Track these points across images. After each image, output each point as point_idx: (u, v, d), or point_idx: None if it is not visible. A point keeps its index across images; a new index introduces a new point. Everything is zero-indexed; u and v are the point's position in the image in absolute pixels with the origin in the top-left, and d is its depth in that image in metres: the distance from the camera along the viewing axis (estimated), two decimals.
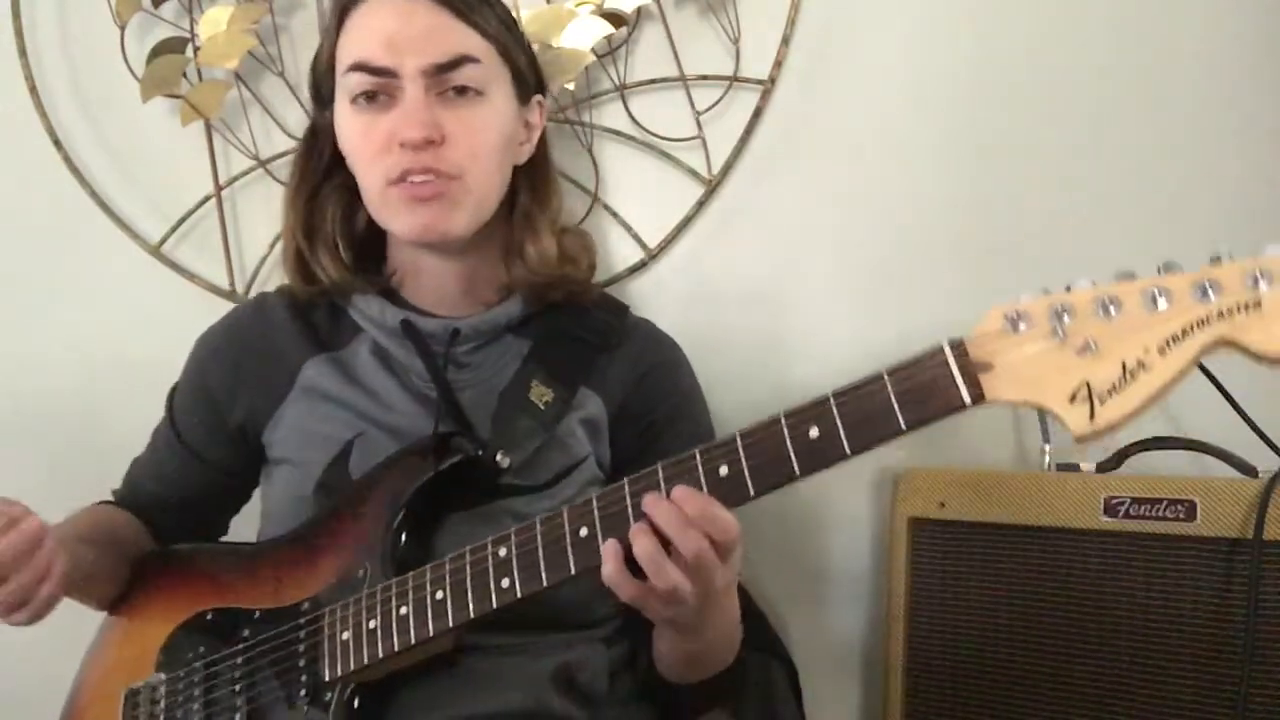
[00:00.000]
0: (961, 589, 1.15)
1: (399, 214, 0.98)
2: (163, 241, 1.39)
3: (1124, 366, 0.65)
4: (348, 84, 0.98)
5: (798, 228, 1.30)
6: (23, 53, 1.37)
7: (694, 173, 1.30)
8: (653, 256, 1.32)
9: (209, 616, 0.98)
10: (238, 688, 0.93)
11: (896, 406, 0.73)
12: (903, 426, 0.73)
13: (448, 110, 0.97)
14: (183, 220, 1.39)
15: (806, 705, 1.02)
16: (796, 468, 0.76)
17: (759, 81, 1.27)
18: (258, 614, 0.96)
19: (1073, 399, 0.67)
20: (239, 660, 0.94)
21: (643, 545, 0.77)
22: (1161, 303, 0.64)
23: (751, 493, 0.77)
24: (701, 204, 1.30)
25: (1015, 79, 1.24)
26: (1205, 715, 1.02)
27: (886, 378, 0.74)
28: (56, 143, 1.38)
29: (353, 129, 0.99)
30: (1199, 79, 1.20)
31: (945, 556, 1.16)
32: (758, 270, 1.31)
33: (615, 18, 1.27)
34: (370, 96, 0.97)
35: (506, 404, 0.99)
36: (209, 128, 1.36)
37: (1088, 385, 0.66)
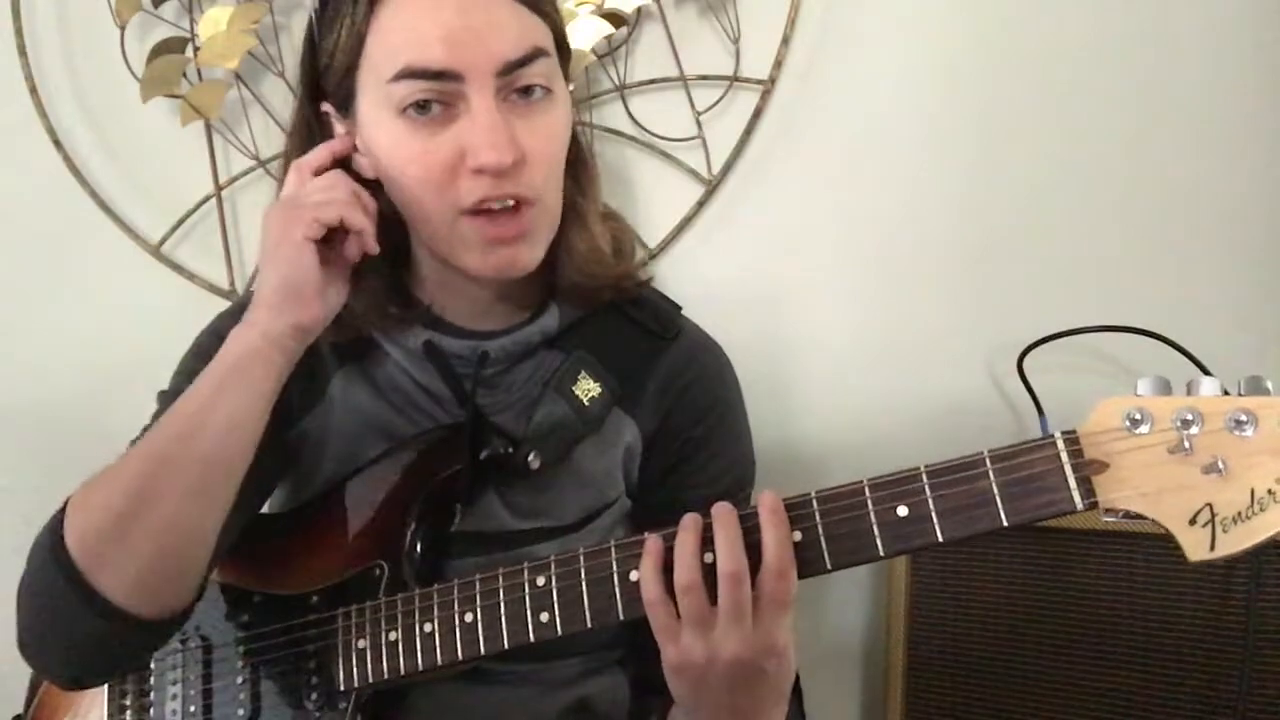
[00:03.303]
0: (961, 589, 1.15)
1: (471, 250, 0.84)
2: (163, 241, 1.39)
3: (1253, 494, 0.60)
4: (394, 94, 0.81)
5: (798, 228, 1.30)
6: (23, 52, 1.37)
7: (694, 173, 1.30)
8: (653, 256, 1.32)
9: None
10: (240, 679, 0.90)
11: (998, 500, 0.66)
12: (1004, 522, 0.66)
13: (518, 119, 0.82)
14: (183, 220, 1.39)
15: (806, 705, 1.02)
16: (880, 547, 0.69)
17: (759, 81, 1.27)
18: (258, 598, 0.91)
19: (1193, 521, 0.61)
20: (240, 649, 0.91)
21: (683, 539, 0.73)
22: None
23: (829, 565, 0.71)
24: (701, 204, 1.30)
25: (1015, 78, 1.24)
26: (1205, 715, 1.02)
27: (989, 463, 0.67)
28: (56, 143, 1.38)
29: (406, 150, 0.82)
30: (1204, 75, 1.20)
31: (945, 556, 1.16)
32: (757, 270, 1.31)
33: (615, 18, 1.27)
34: (423, 106, 0.81)
35: (546, 397, 0.91)
36: (209, 128, 1.36)
37: (1210, 508, 0.61)
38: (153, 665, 0.94)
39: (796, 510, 0.72)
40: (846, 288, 1.30)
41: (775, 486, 0.77)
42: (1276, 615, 1.00)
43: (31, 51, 1.37)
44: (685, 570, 0.72)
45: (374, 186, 0.88)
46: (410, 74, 0.80)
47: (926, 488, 0.68)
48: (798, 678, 1.02)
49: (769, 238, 1.30)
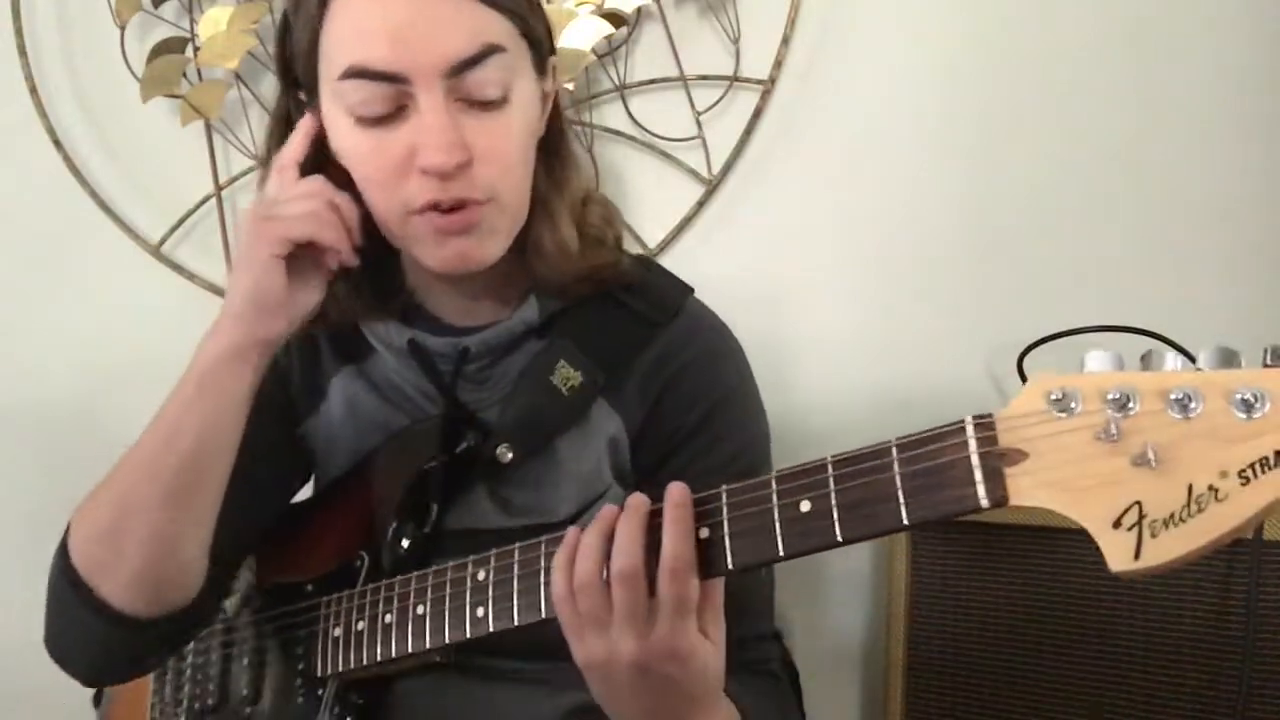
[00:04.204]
0: (961, 589, 1.15)
1: (425, 245, 0.84)
2: (163, 241, 1.39)
3: (1190, 491, 0.49)
4: (342, 93, 0.80)
5: (797, 227, 1.30)
6: (23, 52, 1.37)
7: (694, 173, 1.30)
8: (653, 256, 1.32)
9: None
10: (246, 661, 0.93)
11: (901, 494, 0.59)
12: (905, 520, 0.59)
13: (470, 118, 0.80)
14: (183, 220, 1.39)
15: (806, 705, 1.02)
16: (780, 545, 0.64)
17: (759, 81, 1.27)
18: (269, 585, 0.95)
19: (1118, 523, 0.50)
20: (249, 632, 0.94)
21: (587, 533, 0.70)
22: (1259, 409, 0.48)
23: (730, 565, 0.66)
24: (701, 204, 1.30)
25: (1015, 78, 1.24)
26: (1205, 715, 1.02)
27: (895, 453, 0.60)
28: (56, 143, 1.38)
29: (356, 148, 0.82)
30: (1204, 75, 1.20)
31: (945, 556, 1.16)
32: (757, 270, 1.31)
33: (615, 18, 1.27)
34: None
35: (521, 388, 0.90)
36: (209, 128, 1.36)
37: (1139, 507, 0.50)
38: (190, 644, 0.98)
39: (706, 505, 0.68)
40: (846, 287, 1.30)
41: None
42: (1276, 615, 1.00)
43: (31, 51, 1.37)
44: (583, 566, 0.69)
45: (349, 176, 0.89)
46: (356, 73, 0.78)
47: (831, 480, 0.61)
48: (797, 677, 1.02)
49: (769, 238, 1.31)
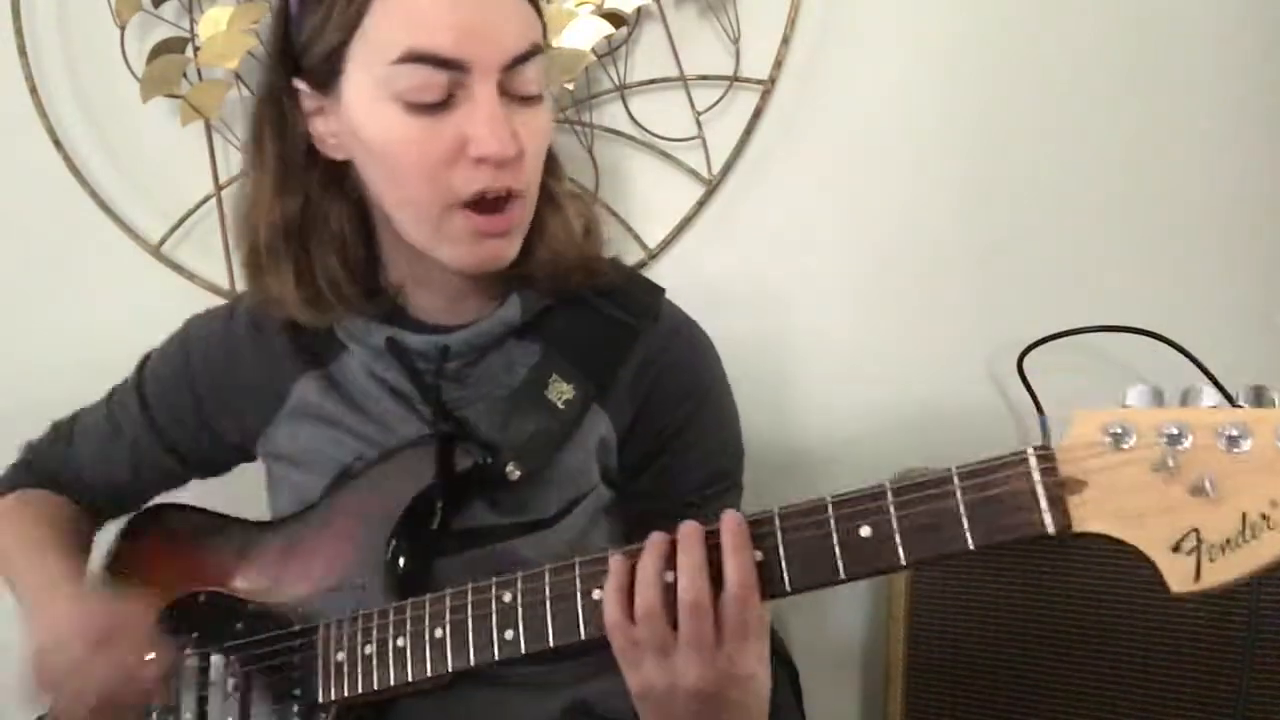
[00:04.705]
0: (962, 589, 1.15)
1: (459, 244, 0.84)
2: (163, 241, 1.39)
3: (1244, 518, 0.54)
4: (396, 77, 0.79)
5: (798, 228, 1.30)
6: (23, 53, 1.37)
7: (694, 173, 1.30)
8: (653, 256, 1.32)
9: (201, 599, 0.94)
10: (230, 687, 0.91)
11: (965, 520, 0.62)
12: (969, 545, 0.62)
13: (514, 112, 0.82)
14: (183, 220, 1.39)
15: (806, 705, 1.02)
16: (841, 569, 0.65)
17: (759, 81, 1.27)
18: (251, 607, 0.92)
19: (1177, 548, 0.56)
20: (232, 658, 0.91)
21: (645, 562, 0.70)
22: None
23: (788, 588, 0.67)
24: (701, 204, 1.30)
25: (1016, 78, 1.24)
26: (1205, 715, 1.02)
27: (956, 481, 0.63)
28: (56, 143, 1.38)
29: (402, 135, 0.81)
30: (1204, 75, 1.20)
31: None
32: (757, 270, 1.31)
33: (615, 18, 1.27)
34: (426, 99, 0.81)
35: (519, 406, 0.90)
36: (209, 128, 1.36)
37: (1197, 534, 0.55)
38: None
39: (758, 528, 0.69)
40: (846, 288, 1.30)
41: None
42: (1276, 615, 1.00)
43: (31, 51, 1.37)
44: (645, 596, 0.69)
45: (341, 168, 0.88)
46: (416, 58, 0.78)
47: (891, 506, 0.64)
48: (797, 677, 1.02)
49: (769, 237, 1.30)
